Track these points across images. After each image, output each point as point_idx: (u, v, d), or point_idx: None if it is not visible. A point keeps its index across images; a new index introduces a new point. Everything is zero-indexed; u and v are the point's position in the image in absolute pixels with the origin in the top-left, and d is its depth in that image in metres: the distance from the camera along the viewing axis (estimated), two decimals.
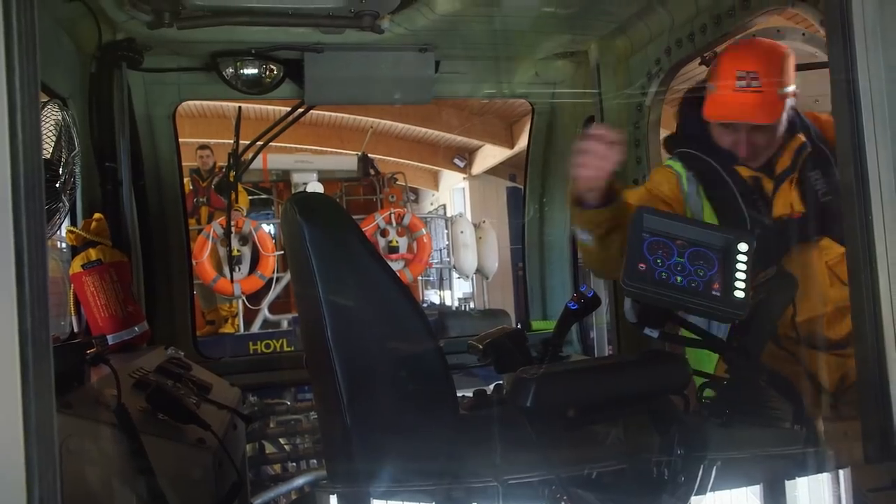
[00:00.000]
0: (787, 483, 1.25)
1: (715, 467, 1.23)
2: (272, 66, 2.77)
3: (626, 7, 2.47)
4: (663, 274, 1.27)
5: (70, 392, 1.41)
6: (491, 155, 12.35)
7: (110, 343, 2.18)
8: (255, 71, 2.78)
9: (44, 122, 1.85)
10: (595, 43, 2.76)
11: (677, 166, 2.14)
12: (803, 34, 2.69)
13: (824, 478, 1.25)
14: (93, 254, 2.23)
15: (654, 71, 2.54)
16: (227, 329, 8.02)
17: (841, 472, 1.22)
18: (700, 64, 2.67)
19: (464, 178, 13.89)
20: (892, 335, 1.20)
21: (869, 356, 1.21)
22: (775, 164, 2.04)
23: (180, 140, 2.97)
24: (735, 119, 1.98)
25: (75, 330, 2.35)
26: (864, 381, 1.22)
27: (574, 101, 3.01)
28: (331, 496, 1.42)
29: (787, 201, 2.01)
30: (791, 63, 1.99)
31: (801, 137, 2.03)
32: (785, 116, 1.98)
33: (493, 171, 12.69)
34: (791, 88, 1.97)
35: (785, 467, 1.28)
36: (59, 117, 1.91)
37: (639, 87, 2.62)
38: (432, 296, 11.77)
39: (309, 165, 10.30)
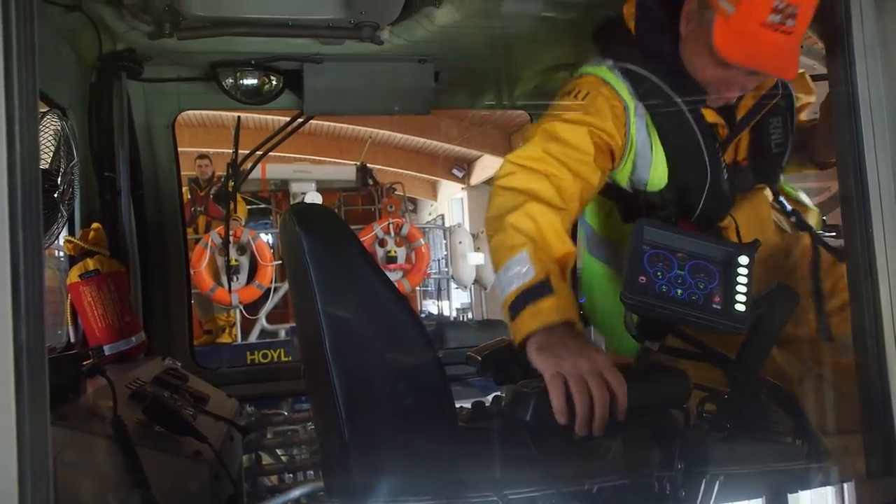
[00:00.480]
0: (790, 496, 1.25)
1: (717, 482, 1.22)
2: (271, 77, 2.77)
3: None
4: (664, 287, 1.26)
5: (66, 404, 1.40)
6: (490, 165, 12.39)
7: (107, 353, 2.17)
8: (254, 81, 2.78)
9: (43, 132, 1.85)
10: (595, 53, 2.77)
11: (623, 90, 1.65)
12: (801, 46, 2.70)
13: (827, 492, 1.24)
14: (90, 264, 2.23)
15: None
16: (225, 338, 8.01)
17: (845, 485, 1.21)
18: None
19: (462, 189, 13.93)
20: (893, 349, 1.20)
21: (870, 370, 1.20)
22: (736, 108, 1.72)
23: (179, 149, 2.97)
24: (764, 69, 1.55)
25: (72, 340, 2.34)
26: (866, 396, 1.22)
27: None
28: None
29: (736, 148, 1.76)
30: None
31: (771, 80, 1.71)
32: None
33: (492, 181, 12.71)
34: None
35: (787, 482, 1.27)
36: (59, 127, 1.91)
37: None
38: (430, 306, 11.77)
39: (307, 175, 10.32)
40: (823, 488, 1.24)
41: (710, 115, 1.69)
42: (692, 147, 1.67)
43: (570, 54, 2.82)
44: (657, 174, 1.71)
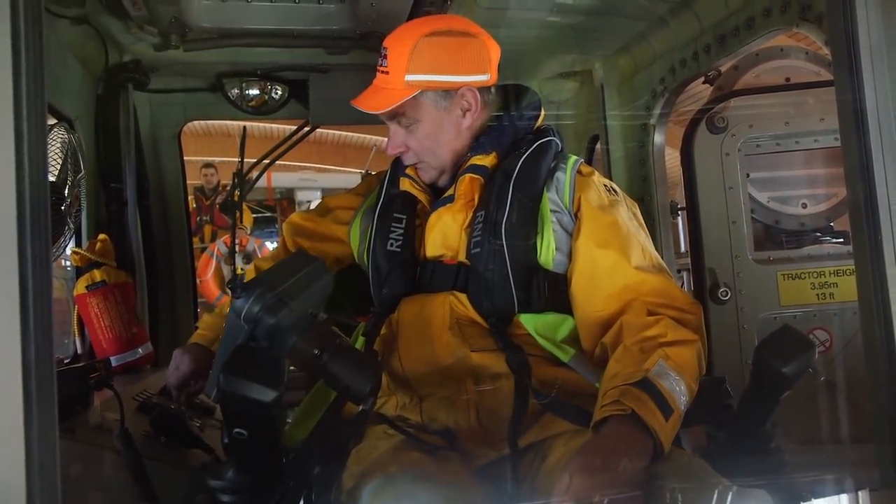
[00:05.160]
0: None
1: (729, 493, 1.21)
2: (277, 87, 2.78)
3: (631, 27, 2.48)
4: None
5: (74, 417, 1.40)
6: None
7: (114, 365, 2.17)
8: (259, 92, 2.80)
9: (51, 145, 1.86)
10: (599, 62, 2.77)
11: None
12: (807, 53, 2.70)
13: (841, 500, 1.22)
14: (97, 275, 2.23)
15: (658, 90, 2.54)
16: None
17: (859, 494, 1.20)
18: (704, 83, 2.68)
19: None
20: None
21: (882, 380, 1.19)
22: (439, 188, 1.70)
23: (184, 158, 2.98)
24: (356, 104, 1.70)
25: (79, 351, 2.34)
26: (878, 406, 1.21)
27: (578, 122, 3.01)
28: None
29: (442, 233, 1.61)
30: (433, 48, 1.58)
31: (480, 178, 1.59)
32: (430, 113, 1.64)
33: None
34: (432, 77, 1.58)
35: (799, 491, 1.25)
36: (66, 139, 1.91)
37: (643, 105, 2.62)
38: None
39: (313, 183, 10.35)
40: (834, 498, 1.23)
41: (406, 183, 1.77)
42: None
43: (573, 62, 2.83)
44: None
